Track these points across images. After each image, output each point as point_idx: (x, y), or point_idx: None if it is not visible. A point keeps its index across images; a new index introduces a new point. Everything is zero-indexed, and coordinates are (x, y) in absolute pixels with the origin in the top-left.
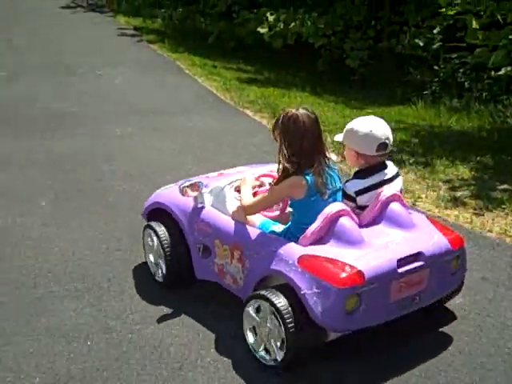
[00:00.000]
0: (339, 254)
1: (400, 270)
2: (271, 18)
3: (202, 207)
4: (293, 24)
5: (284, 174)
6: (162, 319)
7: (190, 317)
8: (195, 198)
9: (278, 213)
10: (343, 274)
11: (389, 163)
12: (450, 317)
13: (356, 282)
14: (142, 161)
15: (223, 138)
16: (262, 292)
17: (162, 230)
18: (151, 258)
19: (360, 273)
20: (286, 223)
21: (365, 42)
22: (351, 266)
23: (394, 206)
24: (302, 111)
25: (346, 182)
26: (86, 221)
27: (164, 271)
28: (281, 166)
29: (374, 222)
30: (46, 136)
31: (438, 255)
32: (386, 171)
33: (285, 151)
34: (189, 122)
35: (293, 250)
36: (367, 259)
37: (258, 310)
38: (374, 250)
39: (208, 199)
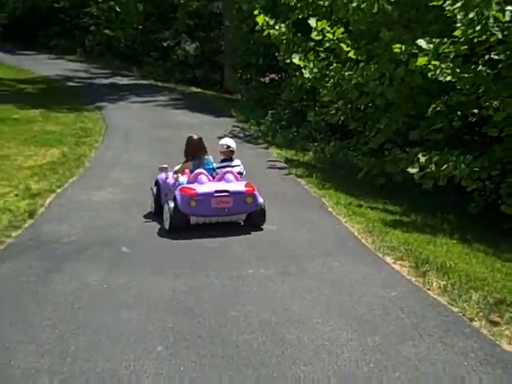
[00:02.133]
0: (194, 186)
1: (215, 194)
2: (423, 159)
3: (166, 178)
4: (445, 166)
5: (184, 162)
6: None
7: None
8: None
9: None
10: (189, 191)
11: (235, 159)
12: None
13: (192, 193)
14: (267, 308)
15: (356, 288)
16: (169, 201)
17: (154, 188)
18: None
19: (195, 191)
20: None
21: None
22: (193, 189)
23: (227, 175)
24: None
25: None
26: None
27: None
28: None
29: (219, 180)
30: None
31: (237, 192)
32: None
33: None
34: (323, 267)
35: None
36: (202, 188)
37: (168, 207)
38: (208, 186)
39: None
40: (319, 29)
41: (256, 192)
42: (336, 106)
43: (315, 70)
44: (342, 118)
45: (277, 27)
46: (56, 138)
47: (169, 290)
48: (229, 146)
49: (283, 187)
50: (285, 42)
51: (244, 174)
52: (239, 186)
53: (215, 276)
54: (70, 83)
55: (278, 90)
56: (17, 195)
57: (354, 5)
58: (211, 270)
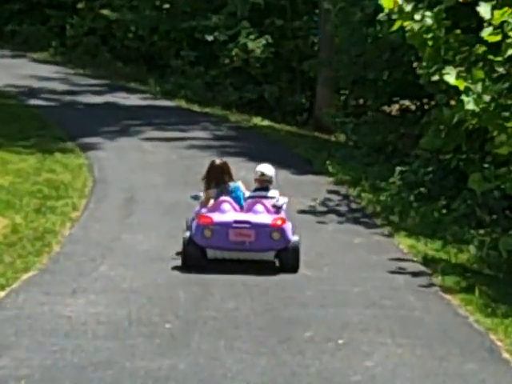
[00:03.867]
0: (212, 214)
1: (234, 224)
2: None
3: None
4: None
5: (204, 190)
6: None
7: None
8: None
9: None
10: (205, 219)
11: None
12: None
13: (207, 222)
14: None
15: None
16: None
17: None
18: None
19: (211, 219)
20: None
21: None
22: (209, 217)
23: (257, 205)
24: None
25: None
26: None
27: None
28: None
29: (247, 211)
30: None
31: (261, 225)
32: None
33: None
34: None
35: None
36: (220, 217)
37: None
38: (228, 216)
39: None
40: (497, 23)
41: (286, 226)
42: None
43: (486, 98)
44: None
45: (417, 16)
46: (2, 199)
47: None
48: (263, 174)
49: (418, 309)
50: (431, 43)
51: (284, 207)
52: (264, 218)
53: None
54: (34, 101)
55: (414, 128)
56: None
57: None
58: None
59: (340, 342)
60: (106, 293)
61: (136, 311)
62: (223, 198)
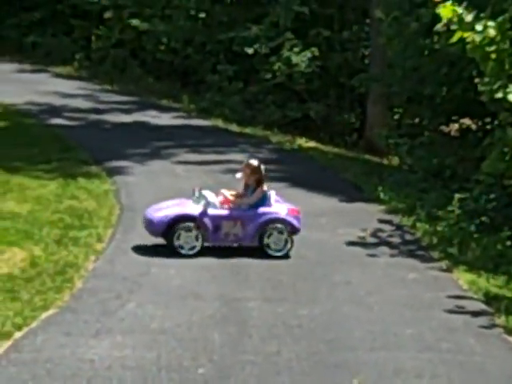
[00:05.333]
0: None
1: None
2: None
3: None
4: None
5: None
6: None
7: None
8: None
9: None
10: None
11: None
12: None
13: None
14: None
15: None
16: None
17: None
18: None
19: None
20: None
21: None
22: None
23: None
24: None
25: None
26: None
27: None
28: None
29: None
30: None
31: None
32: None
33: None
34: None
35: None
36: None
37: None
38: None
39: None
40: None
41: None
42: None
43: None
44: None
45: (479, 27)
46: (19, 228)
47: None
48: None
49: (479, 354)
50: (494, 56)
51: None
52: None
53: None
54: (57, 120)
55: (475, 151)
56: None
57: None
58: None
59: None
60: (133, 334)
61: (166, 355)
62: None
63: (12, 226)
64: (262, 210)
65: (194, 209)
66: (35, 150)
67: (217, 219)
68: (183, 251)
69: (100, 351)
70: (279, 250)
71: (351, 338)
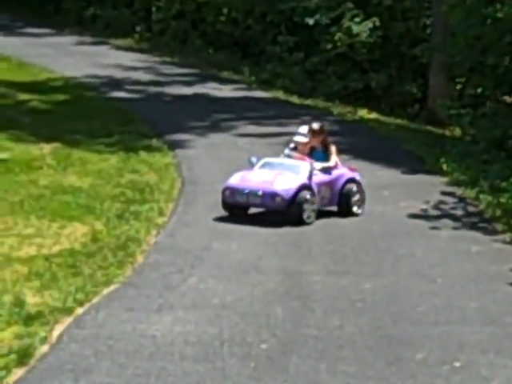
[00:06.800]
0: None
1: None
2: None
3: None
4: None
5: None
6: None
7: None
8: None
9: None
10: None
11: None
12: None
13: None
14: None
15: None
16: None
17: None
18: None
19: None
20: None
21: None
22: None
23: None
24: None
25: None
26: None
27: None
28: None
29: None
30: None
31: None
32: None
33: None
34: None
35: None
36: None
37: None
38: None
39: None
40: None
41: None
42: None
43: None
44: None
45: None
46: (81, 203)
47: None
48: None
49: None
50: None
51: None
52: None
53: None
54: (117, 93)
55: None
56: None
57: None
58: None
59: (456, 364)
60: (196, 309)
61: (228, 330)
62: None
63: (73, 201)
64: (339, 171)
65: (303, 177)
66: (96, 124)
67: (319, 185)
68: (309, 220)
69: (162, 327)
70: (360, 207)
71: (414, 311)
